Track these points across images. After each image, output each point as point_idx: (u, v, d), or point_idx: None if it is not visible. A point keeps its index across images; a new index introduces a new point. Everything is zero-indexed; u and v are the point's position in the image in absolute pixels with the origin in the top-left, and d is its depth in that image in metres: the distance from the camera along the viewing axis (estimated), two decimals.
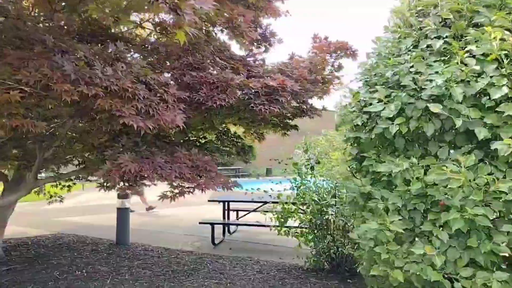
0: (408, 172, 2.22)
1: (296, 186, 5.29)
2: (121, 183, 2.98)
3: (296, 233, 5.24)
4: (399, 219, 2.18)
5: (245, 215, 7.43)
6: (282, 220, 5.25)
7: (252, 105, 3.43)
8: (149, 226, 8.30)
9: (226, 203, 7.27)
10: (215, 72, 3.58)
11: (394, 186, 2.40)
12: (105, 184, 3.16)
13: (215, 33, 4.27)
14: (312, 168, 5.26)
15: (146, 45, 3.52)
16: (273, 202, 6.76)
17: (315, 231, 5.08)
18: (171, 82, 2.93)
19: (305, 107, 4.14)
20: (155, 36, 4.04)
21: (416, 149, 2.37)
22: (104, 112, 2.66)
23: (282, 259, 5.69)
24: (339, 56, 4.30)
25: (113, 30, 3.50)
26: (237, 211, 7.97)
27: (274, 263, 5.43)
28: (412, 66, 2.37)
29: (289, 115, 4.11)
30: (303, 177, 5.22)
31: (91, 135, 3.53)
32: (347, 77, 4.43)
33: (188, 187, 3.09)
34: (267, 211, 5.36)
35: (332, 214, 4.99)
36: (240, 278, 4.68)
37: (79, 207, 10.70)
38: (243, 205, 8.07)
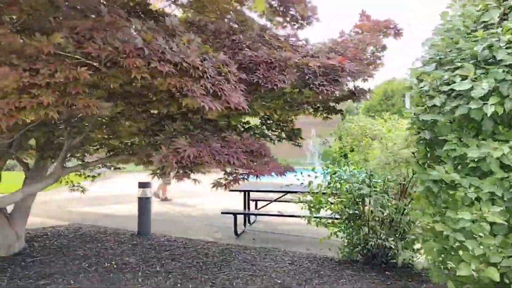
0: (507, 157, 1.97)
1: (328, 173, 5.04)
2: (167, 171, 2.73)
3: (328, 223, 5.02)
4: (500, 210, 1.93)
5: (266, 205, 7.20)
6: (314, 209, 5.02)
7: (311, 85, 3.15)
8: (166, 216, 8.07)
9: (247, 192, 7.02)
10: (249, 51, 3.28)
11: (481, 173, 2.15)
12: (158, 171, 2.89)
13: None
14: (345, 156, 5.01)
15: (193, 22, 3.22)
16: (295, 192, 6.55)
17: (348, 222, 4.86)
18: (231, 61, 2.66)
19: (353, 89, 3.84)
20: (189, 15, 3.74)
21: (509, 132, 2.11)
22: (162, 92, 2.39)
23: (309, 250, 5.47)
24: (380, 36, 4.00)
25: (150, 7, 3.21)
26: (256, 200, 7.76)
27: (303, 254, 5.21)
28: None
29: (332, 97, 3.84)
30: (337, 165, 4.97)
31: (131, 119, 3.24)
32: (386, 58, 4.13)
33: (241, 174, 2.83)
34: (300, 201, 5.11)
35: (366, 205, 4.77)
36: (274, 270, 4.45)
37: (91, 197, 10.43)
38: (262, 195, 7.87)
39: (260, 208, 7.22)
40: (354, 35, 4.03)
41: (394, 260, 4.59)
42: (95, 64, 2.13)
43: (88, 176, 5.42)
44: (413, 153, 2.83)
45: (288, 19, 4.07)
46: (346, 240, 4.88)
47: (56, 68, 2.01)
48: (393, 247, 4.37)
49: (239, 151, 2.64)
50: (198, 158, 2.39)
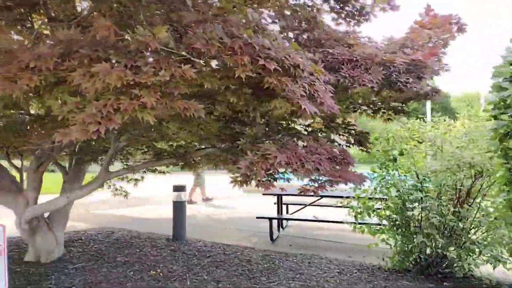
0: None
1: (374, 178, 4.81)
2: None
3: (376, 230, 4.79)
4: None
5: (299, 209, 6.97)
6: (360, 215, 4.80)
7: (398, 84, 2.92)
8: (194, 219, 7.89)
9: (280, 196, 6.80)
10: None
11: None
12: (241, 178, 2.66)
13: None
14: (395, 159, 4.77)
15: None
16: (332, 197, 6.33)
17: (397, 228, 4.62)
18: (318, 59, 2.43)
19: (426, 88, 3.55)
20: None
21: None
22: (245, 94, 2.17)
23: (351, 257, 5.24)
24: (441, 32, 3.73)
25: None
26: (287, 204, 7.54)
27: (348, 262, 4.98)
28: None
29: (413, 97, 3.57)
30: (385, 169, 4.73)
31: (197, 122, 3.00)
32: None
33: (326, 181, 2.60)
34: (345, 206, 4.89)
35: (416, 210, 4.53)
36: (324, 279, 4.23)
37: (116, 199, 10.28)
38: (293, 199, 7.66)
39: (293, 213, 6.99)
40: (419, 31, 3.77)
41: (449, 270, 4.34)
42: (201, 61, 1.92)
43: (131, 179, 5.25)
44: (507, 159, 2.60)
45: (343, 15, 3.84)
46: (396, 248, 4.64)
47: (161, 66, 1.80)
48: (454, 256, 4.11)
49: (323, 158, 2.41)
50: (288, 164, 2.17)
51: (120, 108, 1.75)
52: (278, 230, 6.70)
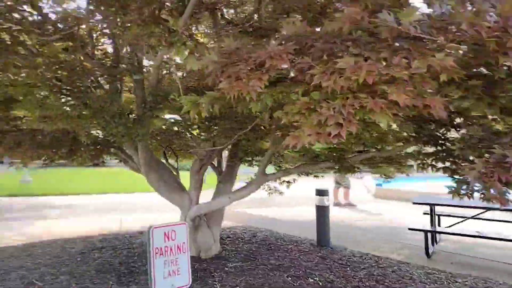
0: None
1: None
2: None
3: None
4: None
5: (458, 222, 6.06)
6: None
7: None
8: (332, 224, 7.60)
9: (433, 207, 6.01)
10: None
11: None
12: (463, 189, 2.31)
13: None
14: None
15: None
16: (504, 210, 5.32)
17: None
18: None
19: None
20: None
21: None
22: (474, 88, 1.79)
23: None
24: None
25: None
26: (439, 215, 6.66)
27: None
28: None
29: None
30: None
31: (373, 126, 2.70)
32: None
33: None
34: None
35: None
36: None
37: (249, 198, 10.68)
38: (444, 209, 6.78)
39: (450, 226, 6.10)
40: None
41: None
42: (462, 47, 1.61)
43: (283, 181, 5.28)
44: None
45: None
46: None
47: (414, 56, 1.55)
48: None
49: None
50: None
51: (366, 108, 1.53)
52: (432, 244, 5.94)
